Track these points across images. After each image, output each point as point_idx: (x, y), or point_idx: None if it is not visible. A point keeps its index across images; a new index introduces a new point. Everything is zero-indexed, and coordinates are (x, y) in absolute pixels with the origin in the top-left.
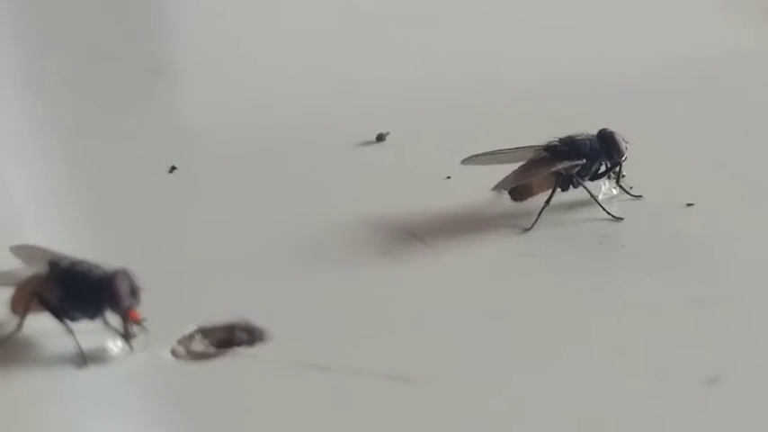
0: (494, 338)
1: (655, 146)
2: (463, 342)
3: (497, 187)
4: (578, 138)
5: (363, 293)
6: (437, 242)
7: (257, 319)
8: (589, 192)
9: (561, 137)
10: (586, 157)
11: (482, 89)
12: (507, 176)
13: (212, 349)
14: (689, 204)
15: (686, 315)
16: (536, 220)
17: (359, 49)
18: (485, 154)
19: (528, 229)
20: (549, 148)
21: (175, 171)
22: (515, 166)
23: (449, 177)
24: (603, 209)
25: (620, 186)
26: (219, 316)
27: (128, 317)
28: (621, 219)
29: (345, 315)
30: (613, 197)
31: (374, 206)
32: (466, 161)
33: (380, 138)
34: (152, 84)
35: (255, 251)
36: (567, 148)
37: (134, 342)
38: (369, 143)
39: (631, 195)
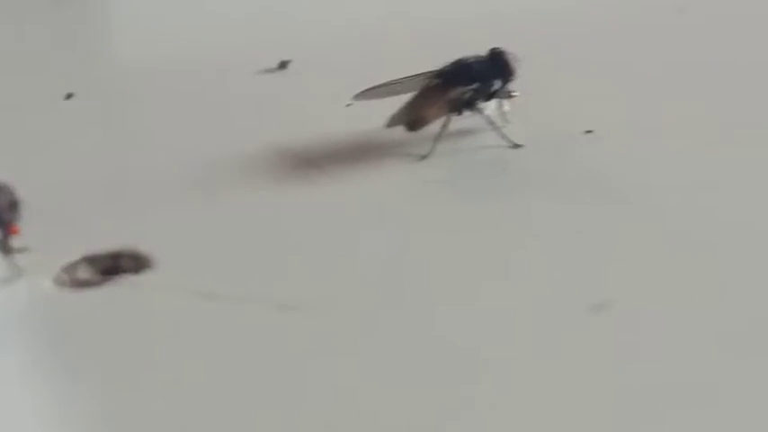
0: (390, 267)
1: (559, 74)
2: (357, 270)
3: (392, 123)
4: (469, 60)
5: (255, 221)
6: (334, 170)
7: (145, 247)
8: (488, 119)
9: (452, 61)
10: (478, 80)
11: (387, 21)
12: (400, 109)
13: (97, 277)
14: (587, 131)
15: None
16: (432, 148)
17: None
18: (377, 87)
19: (424, 157)
20: (440, 74)
21: (72, 98)
22: (409, 96)
23: (349, 105)
24: (502, 135)
25: (500, 107)
26: (106, 243)
27: (8, 230)
28: (520, 145)
29: (236, 243)
30: (508, 120)
31: (273, 134)
32: (358, 96)
33: (283, 65)
34: (53, 12)
35: (147, 179)
36: (459, 73)
37: (15, 259)
38: (271, 70)
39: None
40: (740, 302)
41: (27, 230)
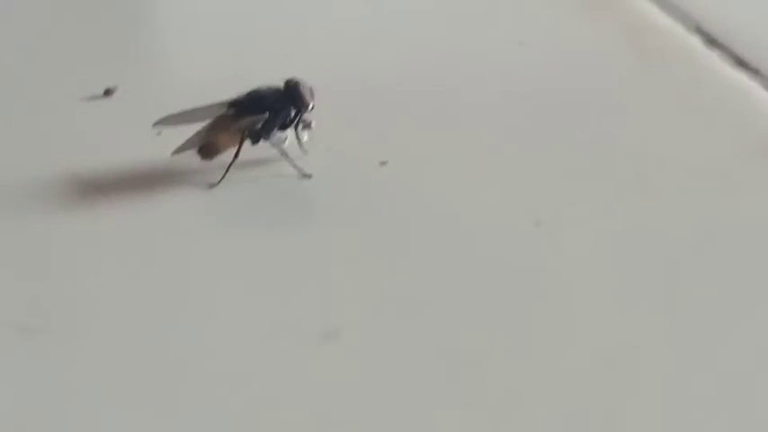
0: (164, 293)
1: (356, 105)
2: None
3: (180, 149)
4: (262, 91)
5: (25, 243)
6: (122, 197)
7: None
8: (279, 149)
9: (247, 91)
10: (271, 110)
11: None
12: (191, 137)
13: None
14: (382, 163)
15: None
16: (223, 177)
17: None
18: (175, 114)
19: (214, 185)
20: (233, 103)
21: None
22: (203, 123)
23: (159, 133)
24: (293, 165)
25: (298, 138)
26: None
27: None
28: (310, 175)
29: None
30: (305, 150)
31: (75, 160)
32: (157, 124)
33: (108, 92)
34: None
35: None
36: (252, 103)
37: None
38: (96, 97)
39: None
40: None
41: None
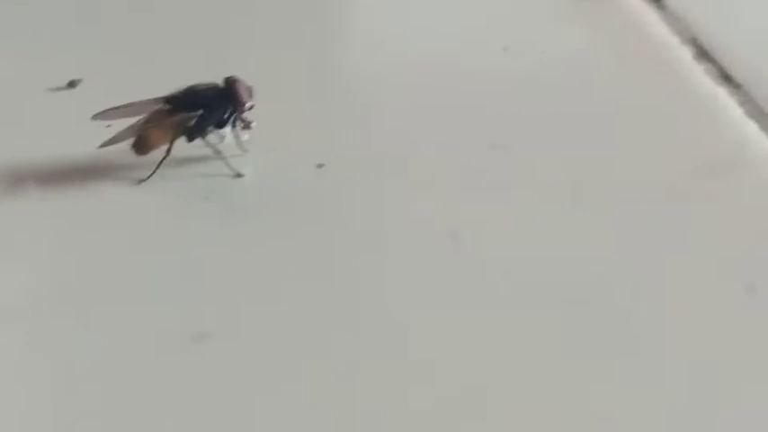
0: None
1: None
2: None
3: (109, 143)
4: (198, 88)
5: None
6: (49, 185)
7: None
8: (211, 146)
9: (184, 87)
10: (206, 108)
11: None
12: (123, 130)
13: None
14: (319, 165)
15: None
16: (152, 173)
17: None
18: (113, 108)
19: (143, 181)
20: (169, 99)
21: None
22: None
23: (109, 126)
24: (226, 164)
25: (235, 136)
26: None
27: None
28: (242, 175)
29: None
30: (244, 149)
31: (19, 150)
32: (97, 116)
33: (72, 84)
34: None
35: None
36: (187, 99)
37: None
38: (59, 89)
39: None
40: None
41: None
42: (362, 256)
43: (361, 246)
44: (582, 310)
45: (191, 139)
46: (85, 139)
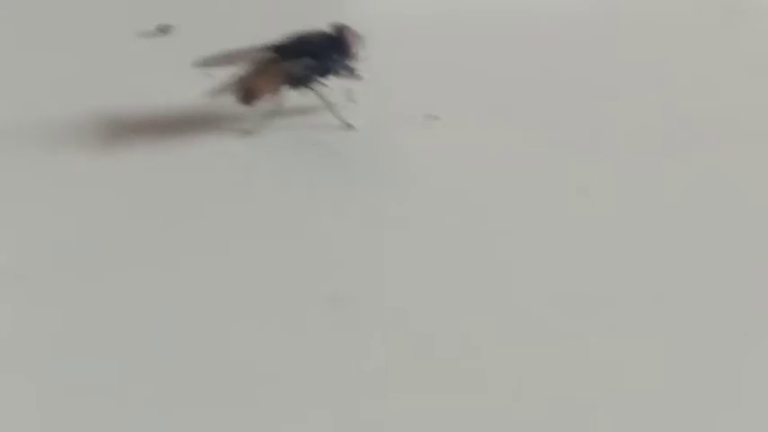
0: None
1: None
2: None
3: (217, 93)
4: (307, 35)
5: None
6: (153, 140)
7: None
8: (321, 96)
9: (290, 35)
10: (314, 55)
11: None
12: (231, 80)
13: None
14: (430, 116)
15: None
16: (260, 124)
17: None
18: (216, 56)
19: (250, 133)
20: (277, 47)
21: None
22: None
23: (208, 74)
24: (335, 115)
25: (345, 85)
26: None
27: None
28: (352, 126)
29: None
30: (352, 100)
31: (124, 97)
32: (197, 64)
33: (163, 30)
34: None
35: None
36: (294, 46)
37: None
38: (148, 34)
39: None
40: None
41: None
42: (486, 212)
43: (482, 202)
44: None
45: (297, 88)
46: (184, 87)
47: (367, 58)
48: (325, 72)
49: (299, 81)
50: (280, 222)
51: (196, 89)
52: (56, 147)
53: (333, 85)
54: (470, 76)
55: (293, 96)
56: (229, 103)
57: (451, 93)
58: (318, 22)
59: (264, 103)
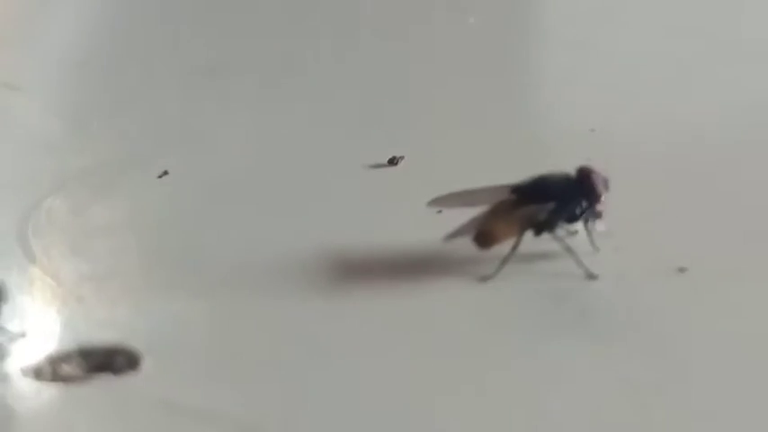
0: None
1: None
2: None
3: (453, 235)
4: (549, 177)
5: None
6: (390, 282)
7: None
8: (562, 242)
9: (534, 176)
10: (557, 200)
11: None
12: (467, 222)
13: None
14: (681, 269)
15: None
16: (498, 269)
17: None
18: (451, 195)
19: (488, 278)
20: (516, 189)
21: None
22: (483, 208)
23: (440, 212)
24: (578, 263)
25: (588, 232)
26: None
27: None
28: (595, 276)
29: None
30: (597, 248)
31: (351, 233)
32: (432, 203)
33: (393, 161)
34: None
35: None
36: (535, 189)
37: None
38: (380, 166)
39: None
40: None
41: None
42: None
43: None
44: None
45: (538, 233)
46: (414, 225)
47: (612, 202)
48: (571, 218)
49: (543, 226)
50: (505, 372)
51: (426, 226)
52: (283, 283)
53: (575, 230)
54: (727, 221)
55: (532, 241)
56: (464, 245)
57: (708, 242)
58: (558, 165)
59: (502, 248)
